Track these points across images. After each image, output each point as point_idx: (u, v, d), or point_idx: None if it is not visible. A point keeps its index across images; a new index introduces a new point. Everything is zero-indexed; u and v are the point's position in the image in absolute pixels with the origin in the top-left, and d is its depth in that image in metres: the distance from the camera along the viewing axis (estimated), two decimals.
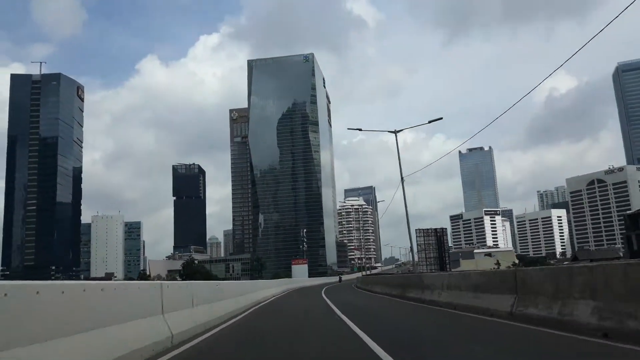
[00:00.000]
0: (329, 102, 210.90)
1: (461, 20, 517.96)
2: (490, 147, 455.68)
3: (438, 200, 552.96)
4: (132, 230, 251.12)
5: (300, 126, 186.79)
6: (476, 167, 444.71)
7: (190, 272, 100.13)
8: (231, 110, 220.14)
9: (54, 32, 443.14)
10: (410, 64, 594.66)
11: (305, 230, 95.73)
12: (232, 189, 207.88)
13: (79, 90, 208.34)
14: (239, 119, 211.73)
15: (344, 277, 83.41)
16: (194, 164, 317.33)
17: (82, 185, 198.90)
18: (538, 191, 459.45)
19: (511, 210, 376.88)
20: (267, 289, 27.47)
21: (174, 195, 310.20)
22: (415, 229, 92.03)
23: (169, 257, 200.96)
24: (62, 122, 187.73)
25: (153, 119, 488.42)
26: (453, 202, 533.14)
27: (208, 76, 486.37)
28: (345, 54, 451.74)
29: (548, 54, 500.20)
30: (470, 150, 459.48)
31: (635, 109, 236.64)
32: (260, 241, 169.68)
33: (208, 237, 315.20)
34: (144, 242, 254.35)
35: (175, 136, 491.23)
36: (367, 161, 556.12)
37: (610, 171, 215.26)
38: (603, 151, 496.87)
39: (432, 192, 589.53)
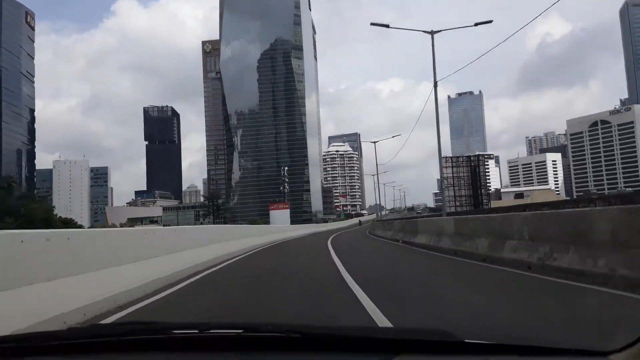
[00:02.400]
0: (314, 32, 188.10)
1: None
2: (480, 92, 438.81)
3: (424, 149, 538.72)
4: (99, 177, 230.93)
5: (282, 60, 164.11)
6: (465, 112, 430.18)
7: None
8: (204, 42, 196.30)
9: None
10: (403, 6, 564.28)
11: (286, 168, 77.42)
12: (207, 130, 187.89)
13: (27, 17, 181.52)
14: (212, 51, 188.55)
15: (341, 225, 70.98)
16: (167, 106, 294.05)
17: (54, 133, 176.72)
18: (527, 137, 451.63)
19: (498, 156, 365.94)
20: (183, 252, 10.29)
21: (145, 140, 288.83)
22: (443, 157, 73.33)
23: (129, 204, 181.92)
24: (5, 51, 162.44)
25: (130, 63, 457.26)
26: (441, 150, 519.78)
27: (189, 18, 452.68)
28: None
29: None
30: (459, 94, 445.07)
31: None
32: (238, 186, 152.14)
33: (187, 185, 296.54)
34: (111, 189, 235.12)
35: (155, 81, 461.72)
36: (353, 110, 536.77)
37: (616, 111, 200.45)
38: (591, 98, 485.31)
39: (417, 140, 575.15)
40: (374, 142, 37.94)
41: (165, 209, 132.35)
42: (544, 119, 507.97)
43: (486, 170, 73.93)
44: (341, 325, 4.00)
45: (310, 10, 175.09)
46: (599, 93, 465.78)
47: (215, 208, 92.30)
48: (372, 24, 24.20)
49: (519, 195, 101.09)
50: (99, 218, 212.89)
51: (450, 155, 76.88)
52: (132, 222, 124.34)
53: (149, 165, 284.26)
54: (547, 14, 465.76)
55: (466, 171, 70.51)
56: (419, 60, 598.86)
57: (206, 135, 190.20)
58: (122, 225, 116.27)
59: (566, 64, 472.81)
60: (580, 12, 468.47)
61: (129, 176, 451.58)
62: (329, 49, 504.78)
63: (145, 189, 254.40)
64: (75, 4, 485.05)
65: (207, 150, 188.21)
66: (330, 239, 26.61)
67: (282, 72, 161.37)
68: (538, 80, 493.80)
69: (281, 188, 77.50)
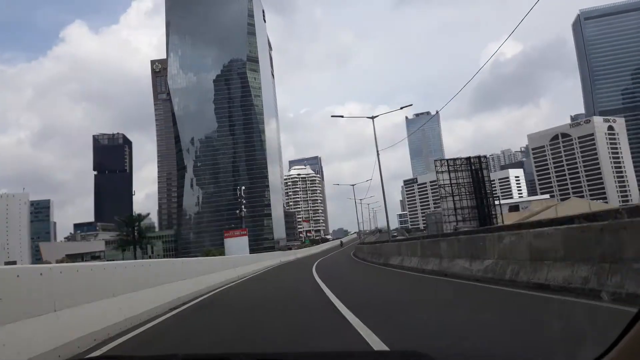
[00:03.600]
0: (270, 48, 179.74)
1: None
2: (437, 111, 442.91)
3: (384, 171, 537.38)
4: (40, 211, 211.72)
5: (237, 74, 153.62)
6: (423, 133, 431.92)
7: None
8: (153, 62, 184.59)
9: None
10: (360, 29, 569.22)
11: (243, 187, 66.60)
12: (158, 156, 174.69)
13: None
14: (162, 71, 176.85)
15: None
16: (117, 133, 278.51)
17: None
18: (484, 155, 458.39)
19: None
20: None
21: (94, 170, 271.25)
22: (435, 160, 63.46)
23: (67, 239, 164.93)
24: None
25: (82, 92, 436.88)
26: (400, 172, 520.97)
27: (143, 44, 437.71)
28: (292, 17, 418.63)
29: (502, 19, 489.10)
30: (417, 115, 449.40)
31: (598, 59, 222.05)
32: (193, 215, 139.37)
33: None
34: (54, 223, 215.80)
35: (108, 110, 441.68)
36: (313, 134, 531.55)
37: (575, 124, 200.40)
38: (542, 116, 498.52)
39: (376, 163, 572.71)
40: (372, 118, 29.98)
41: (108, 242, 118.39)
42: (497, 137, 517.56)
43: (489, 174, 62.42)
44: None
45: (264, 22, 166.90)
46: (549, 111, 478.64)
47: (139, 235, 78.24)
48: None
49: (514, 207, 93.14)
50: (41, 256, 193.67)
51: (446, 158, 66.50)
52: (72, 259, 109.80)
53: (97, 196, 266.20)
54: (499, 35, 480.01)
55: (466, 176, 59.19)
56: (376, 84, 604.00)
57: (158, 162, 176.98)
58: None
59: (518, 83, 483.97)
60: (531, 31, 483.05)
61: (78, 209, 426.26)
62: (288, 73, 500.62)
63: (92, 221, 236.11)
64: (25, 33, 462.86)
65: (158, 177, 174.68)
66: (319, 277, 16.31)
67: (237, 86, 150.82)
68: (491, 99, 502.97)
69: (237, 212, 66.38)
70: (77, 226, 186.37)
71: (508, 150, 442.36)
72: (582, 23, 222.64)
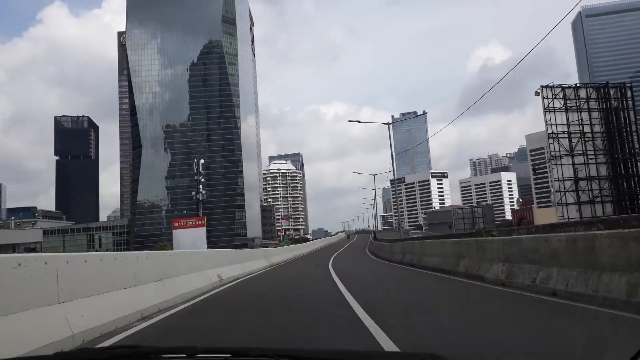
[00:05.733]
0: (253, 26, 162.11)
1: None
2: (424, 112, 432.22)
3: (368, 172, 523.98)
4: None
5: (217, 62, 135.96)
6: (409, 133, 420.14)
7: None
8: (120, 34, 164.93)
9: None
10: (350, 26, 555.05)
11: (202, 161, 48.69)
12: (120, 138, 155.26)
13: None
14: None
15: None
16: (83, 116, 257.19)
17: None
18: (471, 159, 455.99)
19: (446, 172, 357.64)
20: None
21: (56, 155, 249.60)
22: (543, 86, 35.79)
23: None
24: None
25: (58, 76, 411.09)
26: (384, 175, 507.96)
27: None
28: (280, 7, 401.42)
29: (490, 25, 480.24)
30: (403, 114, 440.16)
31: (599, 58, 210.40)
32: (153, 207, 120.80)
33: (112, 210, 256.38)
34: (6, 210, 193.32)
35: (87, 97, 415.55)
36: (297, 132, 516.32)
37: None
38: (528, 124, 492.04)
39: (361, 164, 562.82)
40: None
41: (46, 232, 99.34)
42: (483, 143, 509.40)
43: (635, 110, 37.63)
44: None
45: (250, 14, 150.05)
46: (533, 118, 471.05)
47: None
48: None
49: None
50: None
51: (560, 85, 37.12)
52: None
53: (59, 183, 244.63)
54: (487, 41, 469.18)
55: (596, 119, 33.96)
56: (363, 85, 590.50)
57: (120, 143, 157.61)
58: None
59: (506, 90, 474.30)
60: (520, 37, 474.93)
61: (51, 200, 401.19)
62: (274, 67, 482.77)
63: (54, 210, 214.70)
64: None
65: (120, 162, 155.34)
66: None
67: (214, 79, 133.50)
68: (479, 105, 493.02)
69: (194, 193, 49.04)
70: (10, 211, 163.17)
71: (495, 155, 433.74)
72: (584, 21, 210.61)
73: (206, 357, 1.51)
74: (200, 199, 49.42)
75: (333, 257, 31.53)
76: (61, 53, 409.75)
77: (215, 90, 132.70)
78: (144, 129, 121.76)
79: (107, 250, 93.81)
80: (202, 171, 48.57)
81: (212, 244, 79.44)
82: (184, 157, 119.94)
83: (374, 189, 60.98)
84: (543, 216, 42.57)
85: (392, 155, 26.35)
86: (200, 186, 48.77)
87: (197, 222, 48.82)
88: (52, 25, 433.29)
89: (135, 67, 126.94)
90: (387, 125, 23.36)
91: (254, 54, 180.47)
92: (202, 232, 48.61)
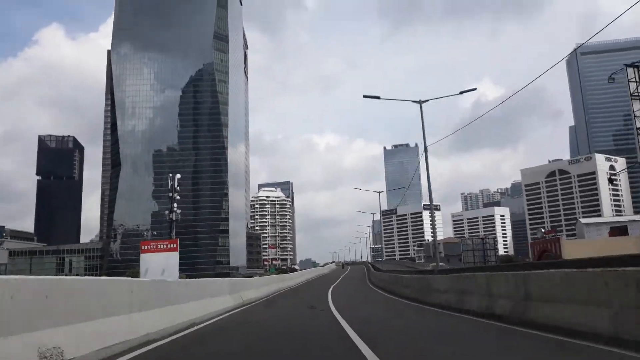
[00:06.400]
0: (246, 47, 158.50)
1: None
2: (416, 144, 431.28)
3: (358, 203, 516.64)
4: None
5: (209, 83, 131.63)
6: (401, 165, 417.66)
7: None
8: (110, 51, 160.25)
9: None
10: (348, 57, 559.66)
11: (179, 176, 43.25)
12: (103, 158, 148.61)
13: None
14: None
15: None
16: (68, 136, 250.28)
17: None
18: (462, 193, 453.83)
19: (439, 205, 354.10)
20: None
21: (37, 175, 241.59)
22: (627, 65, 27.90)
23: None
24: None
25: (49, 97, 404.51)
26: (375, 205, 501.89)
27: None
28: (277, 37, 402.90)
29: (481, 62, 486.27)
30: (395, 146, 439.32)
31: (593, 96, 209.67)
32: (130, 231, 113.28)
33: (95, 234, 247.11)
34: None
35: (77, 119, 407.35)
36: (289, 160, 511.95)
37: (575, 160, 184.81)
38: (518, 161, 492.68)
39: (352, 196, 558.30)
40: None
41: (13, 253, 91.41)
42: (475, 177, 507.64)
43: None
44: None
45: (244, 39, 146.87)
46: (524, 155, 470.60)
47: None
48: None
49: (621, 229, 68.42)
50: None
51: None
52: None
53: (40, 204, 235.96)
54: (480, 78, 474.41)
55: None
56: (354, 117, 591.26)
57: (102, 169, 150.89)
58: None
59: (498, 126, 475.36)
60: (511, 75, 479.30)
61: (25, 219, 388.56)
62: (269, 94, 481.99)
63: (32, 231, 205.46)
64: None
65: (102, 184, 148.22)
66: None
67: (205, 103, 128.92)
68: (471, 140, 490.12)
69: (167, 212, 42.61)
70: None
71: (487, 190, 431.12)
72: (579, 59, 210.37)
73: None
74: (174, 218, 42.95)
75: (330, 290, 25.40)
76: (55, 73, 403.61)
77: (204, 109, 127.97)
78: (124, 146, 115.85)
79: (77, 275, 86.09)
80: (178, 187, 42.03)
81: (192, 271, 72.56)
82: (166, 179, 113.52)
83: (373, 213, 55.80)
84: (573, 249, 37.20)
85: (425, 146, 20.69)
86: (175, 204, 42.27)
87: (168, 246, 41.97)
88: (47, 46, 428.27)
89: (118, 84, 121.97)
90: (418, 104, 18.36)
91: (246, 77, 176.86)
92: (174, 257, 41.67)
